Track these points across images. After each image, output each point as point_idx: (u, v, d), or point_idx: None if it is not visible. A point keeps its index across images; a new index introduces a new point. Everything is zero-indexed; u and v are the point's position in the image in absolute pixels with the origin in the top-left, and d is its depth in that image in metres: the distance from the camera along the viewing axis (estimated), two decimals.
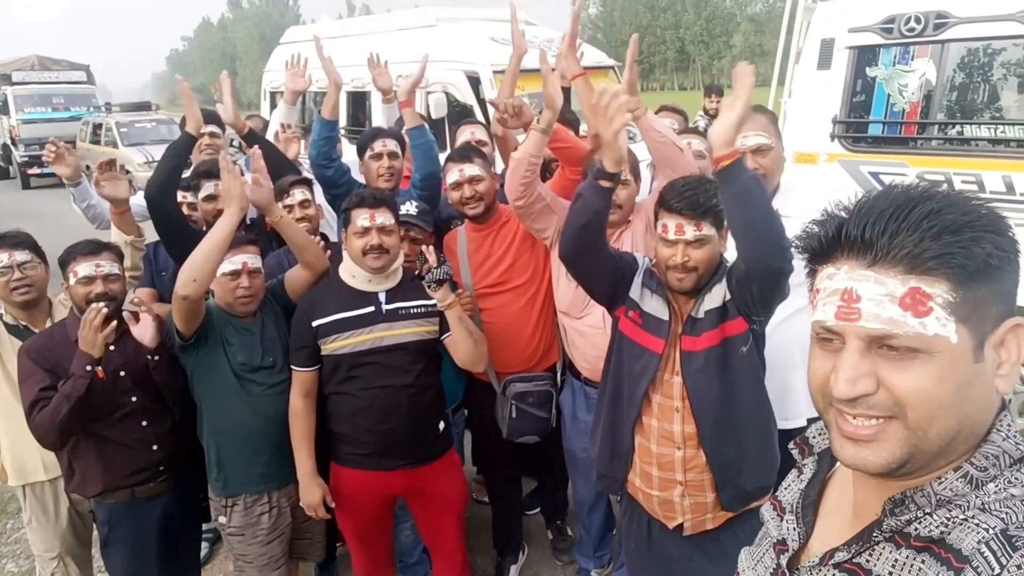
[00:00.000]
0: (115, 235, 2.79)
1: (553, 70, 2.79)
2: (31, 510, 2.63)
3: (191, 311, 2.24)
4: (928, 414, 0.70)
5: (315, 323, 2.35)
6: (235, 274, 2.34)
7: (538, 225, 2.64)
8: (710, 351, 1.87)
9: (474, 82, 6.69)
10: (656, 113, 3.82)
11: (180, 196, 3.01)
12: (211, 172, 2.93)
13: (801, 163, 4.39)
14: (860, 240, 0.72)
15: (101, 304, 2.18)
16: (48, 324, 2.58)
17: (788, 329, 2.14)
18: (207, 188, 3.00)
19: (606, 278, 1.99)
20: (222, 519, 2.47)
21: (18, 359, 2.32)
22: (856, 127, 4.38)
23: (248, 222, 3.00)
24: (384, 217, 2.36)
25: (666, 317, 1.92)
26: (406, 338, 2.40)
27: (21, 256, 2.52)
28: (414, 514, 2.72)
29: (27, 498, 2.63)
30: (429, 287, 2.40)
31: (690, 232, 1.85)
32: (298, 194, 2.88)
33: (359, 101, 7.97)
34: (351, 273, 2.42)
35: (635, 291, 1.98)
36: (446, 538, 2.64)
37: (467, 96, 6.60)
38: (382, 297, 2.41)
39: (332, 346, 2.35)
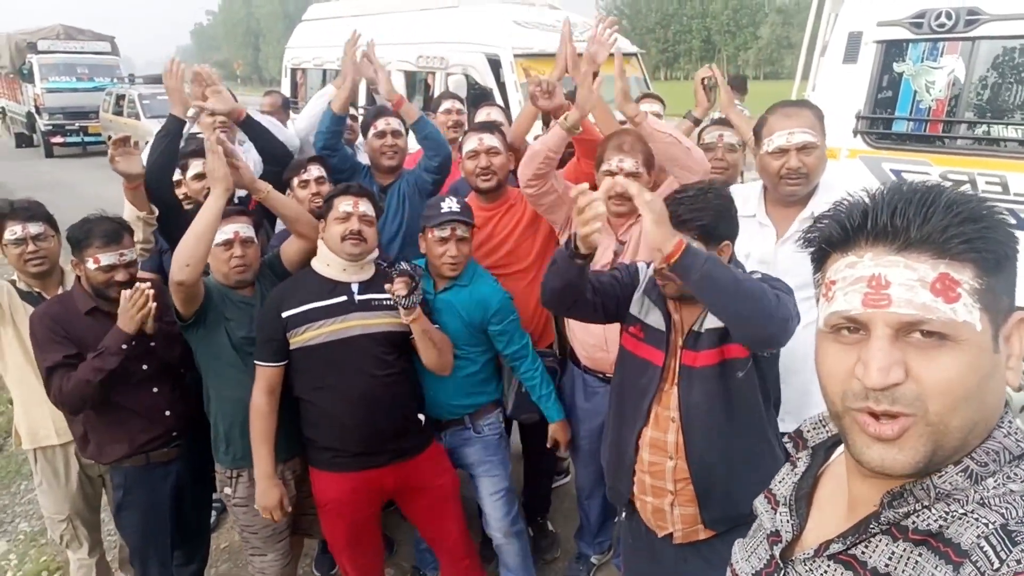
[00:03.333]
0: (128, 210, 2.81)
1: (580, 54, 2.77)
2: (42, 473, 2.68)
3: (188, 295, 2.24)
4: (951, 405, 0.69)
5: (285, 314, 2.31)
6: (228, 244, 2.34)
7: (550, 215, 2.64)
8: (708, 369, 1.83)
9: (494, 65, 6.65)
10: (640, 100, 3.78)
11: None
12: (199, 151, 2.90)
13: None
14: (889, 226, 0.71)
15: (147, 286, 2.22)
16: (60, 292, 2.61)
17: (809, 334, 2.10)
18: (195, 166, 2.99)
19: (598, 314, 1.97)
20: (227, 490, 2.50)
21: (31, 325, 2.35)
22: (880, 123, 4.30)
23: (236, 200, 2.97)
24: (366, 207, 2.36)
25: (663, 328, 1.89)
26: (379, 328, 2.36)
27: (35, 228, 2.55)
28: (410, 515, 2.67)
29: (38, 462, 2.67)
30: (399, 302, 2.26)
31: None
32: (314, 170, 2.89)
33: None
34: (325, 262, 2.39)
35: (635, 306, 1.96)
36: (447, 531, 2.61)
37: (487, 79, 6.56)
38: (355, 287, 2.38)
39: (303, 337, 2.30)
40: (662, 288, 1.86)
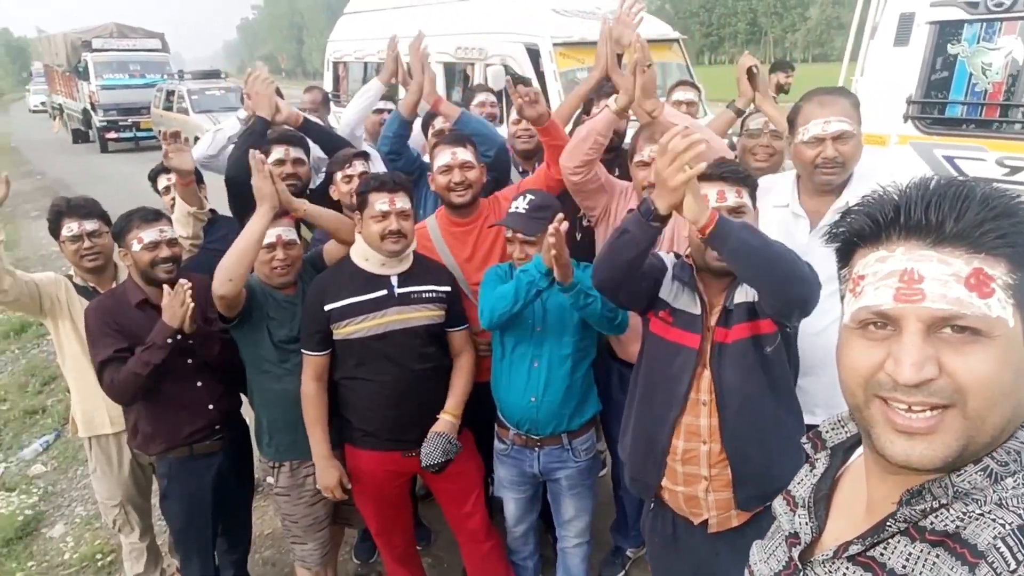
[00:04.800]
0: (179, 206, 2.89)
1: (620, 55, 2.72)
2: (96, 460, 2.80)
3: (230, 304, 2.30)
4: (989, 401, 0.68)
5: (328, 307, 2.34)
6: (271, 247, 2.38)
7: (588, 202, 2.60)
8: (740, 344, 1.83)
9: (533, 55, 6.60)
10: (674, 88, 3.70)
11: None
12: (282, 138, 3.02)
13: (870, 145, 4.18)
14: (923, 220, 0.70)
15: (187, 283, 2.28)
16: (113, 286, 2.70)
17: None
18: (276, 152, 3.06)
19: (643, 297, 1.95)
20: (270, 479, 2.57)
21: (85, 318, 2.45)
22: (933, 108, 4.14)
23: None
24: (403, 201, 2.35)
25: (698, 311, 1.88)
26: (418, 322, 2.39)
27: (91, 225, 2.65)
28: (435, 494, 2.72)
29: (93, 449, 2.79)
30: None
31: (732, 199, 1.85)
32: (359, 165, 2.90)
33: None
34: (364, 256, 2.40)
35: (665, 291, 1.93)
36: (470, 514, 2.63)
37: (526, 68, 6.52)
38: (394, 280, 2.39)
39: (345, 330, 2.34)
40: (707, 262, 1.84)
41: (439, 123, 3.09)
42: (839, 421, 0.92)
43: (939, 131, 4.08)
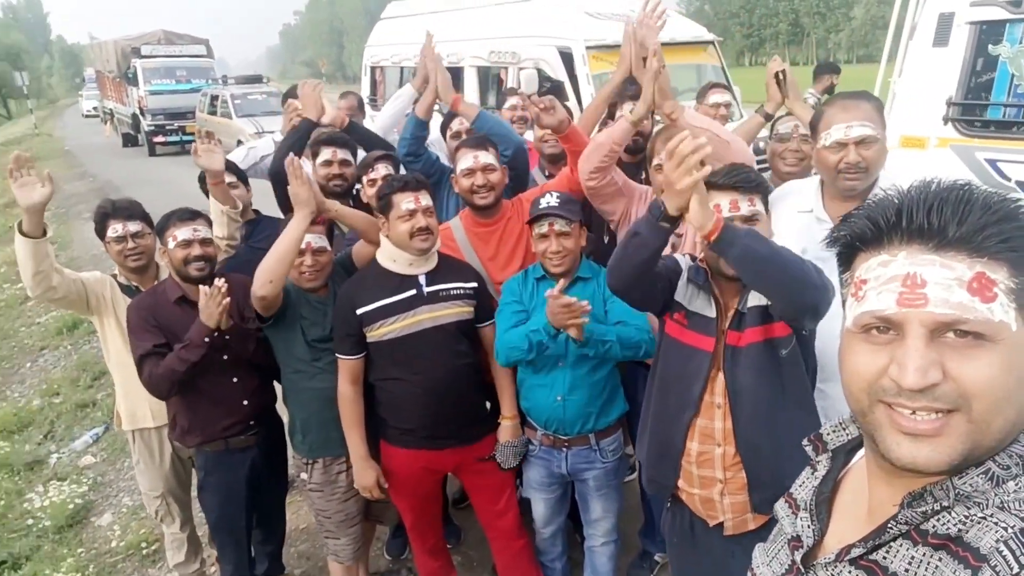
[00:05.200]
0: (212, 206, 3.00)
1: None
2: (139, 453, 2.92)
3: (269, 305, 2.39)
4: (994, 405, 0.68)
5: (359, 311, 2.38)
6: (300, 252, 2.44)
7: (606, 207, 2.62)
8: (753, 347, 1.83)
9: (567, 58, 6.63)
10: (708, 91, 3.69)
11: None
12: (329, 140, 3.16)
13: (908, 148, 4.11)
14: (926, 224, 0.70)
15: (223, 282, 2.37)
16: (155, 284, 2.82)
17: None
18: (324, 154, 3.17)
19: (657, 298, 1.96)
20: (303, 475, 2.65)
21: (127, 314, 2.57)
22: (974, 110, 4.04)
23: None
24: (427, 199, 2.40)
25: (713, 314, 1.88)
26: (448, 319, 2.43)
27: (134, 227, 2.77)
28: (468, 491, 2.78)
29: (136, 442, 2.90)
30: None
31: (745, 208, 1.85)
32: (381, 169, 2.97)
33: (455, 75, 8.07)
34: (391, 258, 2.44)
35: (680, 293, 1.94)
36: (502, 512, 2.68)
37: (559, 72, 6.55)
38: (422, 280, 2.43)
39: (378, 332, 2.39)
40: (720, 267, 1.85)
41: (456, 125, 3.14)
42: (840, 424, 0.92)
43: (981, 134, 3.98)
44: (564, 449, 2.50)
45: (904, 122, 4.15)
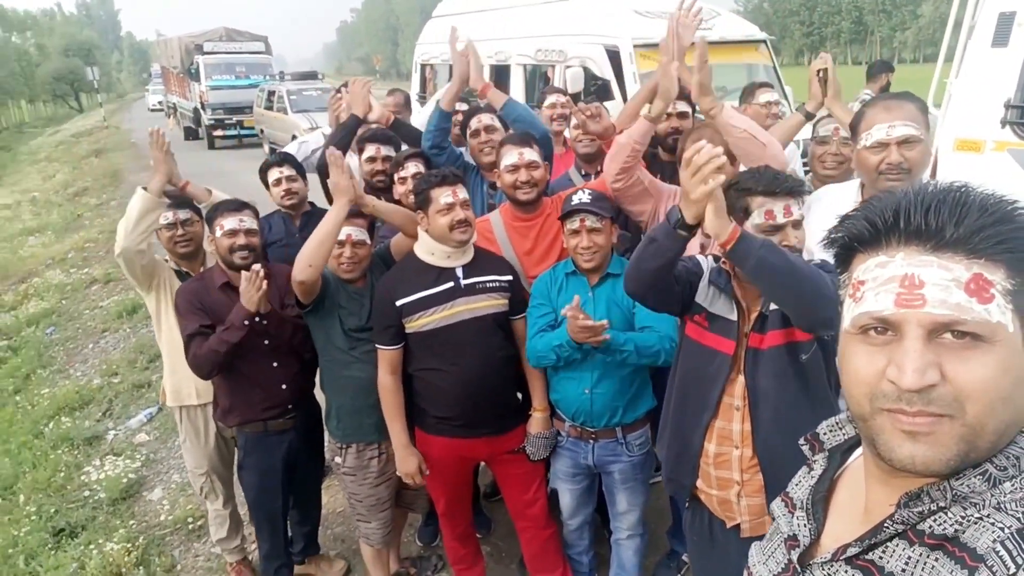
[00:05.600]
0: None
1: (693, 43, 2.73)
2: (185, 431, 3.06)
3: (307, 290, 2.48)
4: (988, 407, 0.68)
5: (399, 302, 2.45)
6: (340, 244, 2.53)
7: (634, 207, 2.64)
8: (774, 350, 1.83)
9: (613, 56, 6.61)
10: (755, 90, 3.63)
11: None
12: (374, 137, 3.31)
13: (963, 151, 3.99)
14: (923, 225, 0.70)
15: (260, 267, 2.48)
16: (203, 271, 2.96)
17: None
18: (368, 150, 3.31)
19: (675, 302, 1.97)
20: (337, 459, 2.74)
21: (176, 297, 2.72)
22: None
23: None
24: (463, 193, 2.47)
25: (734, 317, 1.88)
26: (485, 311, 2.49)
27: (184, 215, 2.93)
28: (498, 479, 2.84)
29: (183, 421, 3.05)
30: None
31: (796, 212, 1.85)
32: (411, 167, 3.04)
33: (502, 73, 8.13)
34: (429, 251, 2.50)
35: (701, 295, 1.94)
36: (533, 500, 2.72)
37: (605, 70, 6.53)
38: (460, 272, 2.49)
39: (417, 323, 2.45)
40: (735, 273, 1.86)
41: (475, 123, 3.17)
42: (837, 423, 0.92)
43: None
44: (591, 441, 2.53)
45: (960, 125, 4.02)
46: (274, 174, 3.50)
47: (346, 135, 3.37)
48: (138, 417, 4.99)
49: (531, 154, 2.68)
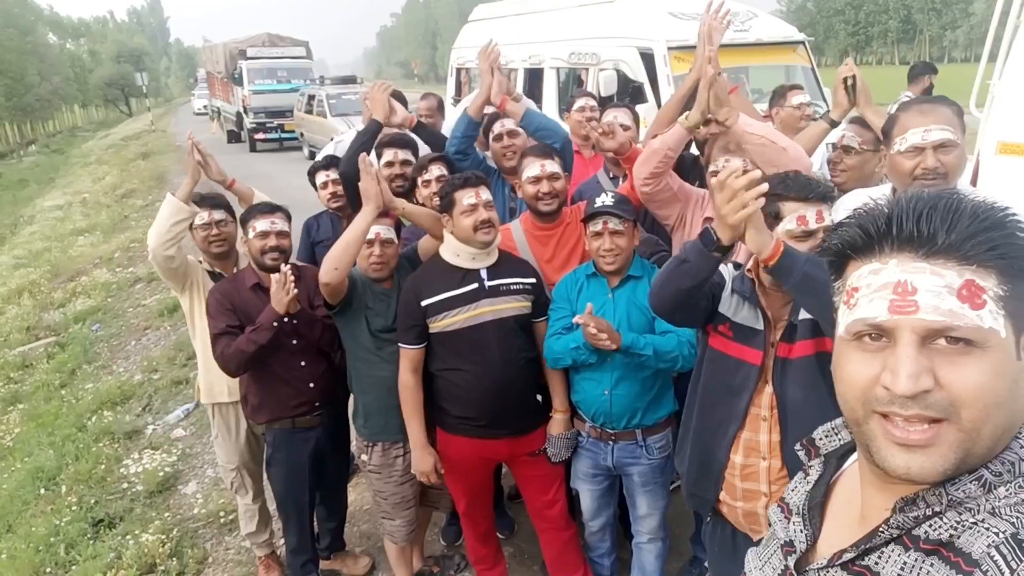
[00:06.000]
0: None
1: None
2: (217, 427, 3.15)
3: (334, 292, 2.53)
4: (983, 412, 0.68)
5: (424, 302, 2.48)
6: (369, 243, 2.58)
7: (661, 211, 2.63)
8: (803, 360, 1.80)
9: (648, 59, 6.57)
10: (787, 92, 3.57)
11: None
12: (392, 142, 3.33)
13: (1006, 155, 3.86)
14: (915, 232, 0.71)
15: (289, 270, 2.55)
16: (235, 271, 3.04)
17: None
18: (386, 155, 3.35)
19: (699, 316, 1.94)
20: (364, 456, 2.79)
21: (208, 297, 2.79)
22: None
23: None
24: (486, 194, 2.50)
25: (760, 326, 1.85)
26: (508, 312, 2.52)
27: (219, 215, 3.01)
28: (518, 481, 2.85)
29: (215, 417, 3.14)
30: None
31: (827, 218, 1.82)
32: (435, 170, 3.08)
33: (535, 77, 8.15)
34: (455, 252, 2.54)
35: (724, 305, 1.91)
36: (553, 501, 2.73)
37: (638, 74, 6.50)
38: (484, 274, 2.53)
39: (441, 323, 2.49)
40: (761, 282, 1.83)
41: (498, 127, 3.20)
42: (833, 429, 0.93)
43: None
44: (610, 442, 2.54)
45: (1003, 127, 3.90)
46: (321, 177, 3.60)
47: (368, 140, 3.39)
48: (175, 413, 5.13)
49: (552, 166, 2.72)
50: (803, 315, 1.80)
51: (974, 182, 3.93)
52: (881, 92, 3.02)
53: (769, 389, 1.84)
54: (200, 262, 3.11)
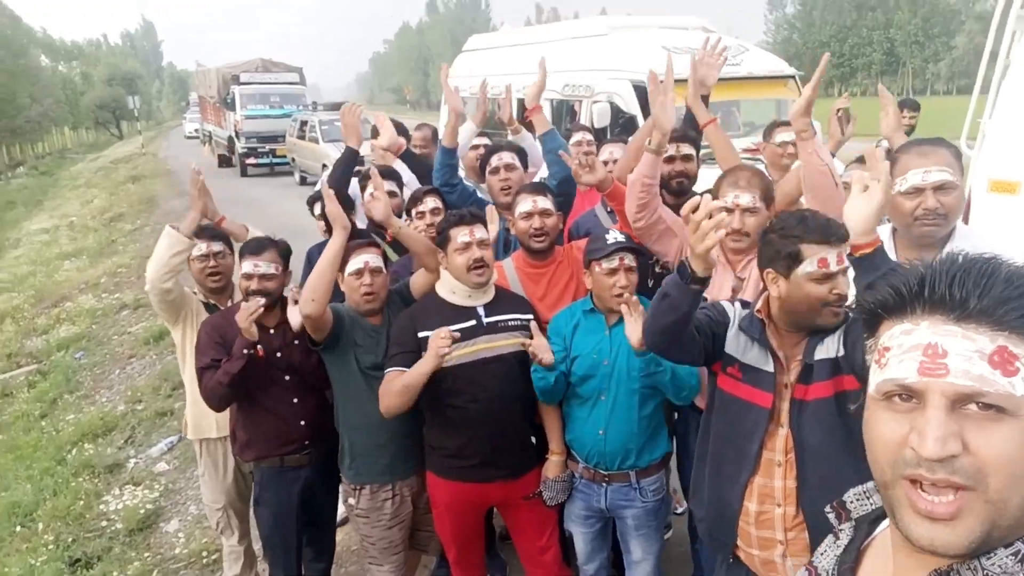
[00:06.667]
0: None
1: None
2: (204, 465, 3.06)
3: (315, 326, 2.47)
4: (1011, 481, 0.67)
5: (421, 335, 2.43)
6: (359, 272, 2.53)
7: (658, 247, 2.61)
8: (821, 402, 1.76)
9: (641, 92, 6.61)
10: (774, 129, 3.59)
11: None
12: (380, 174, 3.23)
13: (998, 193, 3.88)
14: (947, 295, 0.70)
15: (262, 300, 2.50)
16: (230, 304, 2.97)
17: None
18: (370, 187, 3.29)
19: (696, 352, 1.91)
20: (351, 500, 2.71)
21: (199, 330, 2.73)
22: None
23: (365, 228, 3.32)
24: (482, 232, 2.48)
25: (771, 368, 1.82)
26: (506, 350, 2.48)
27: (217, 247, 2.97)
28: (512, 527, 2.78)
29: (202, 454, 3.05)
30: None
31: (846, 260, 1.81)
32: (430, 202, 3.07)
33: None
34: (451, 290, 2.52)
35: (731, 345, 1.88)
36: (546, 547, 2.66)
37: (631, 106, 6.54)
38: (481, 311, 2.51)
39: None
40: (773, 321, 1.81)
41: (495, 161, 3.20)
42: (864, 492, 0.90)
43: None
44: (604, 484, 2.49)
45: (994, 165, 3.93)
46: (318, 208, 3.54)
47: (345, 170, 3.34)
48: (159, 445, 5.02)
49: (544, 202, 2.71)
50: (820, 355, 1.77)
51: (966, 219, 3.94)
52: (866, 122, 3.07)
53: (783, 432, 1.81)
54: (195, 293, 3.04)
